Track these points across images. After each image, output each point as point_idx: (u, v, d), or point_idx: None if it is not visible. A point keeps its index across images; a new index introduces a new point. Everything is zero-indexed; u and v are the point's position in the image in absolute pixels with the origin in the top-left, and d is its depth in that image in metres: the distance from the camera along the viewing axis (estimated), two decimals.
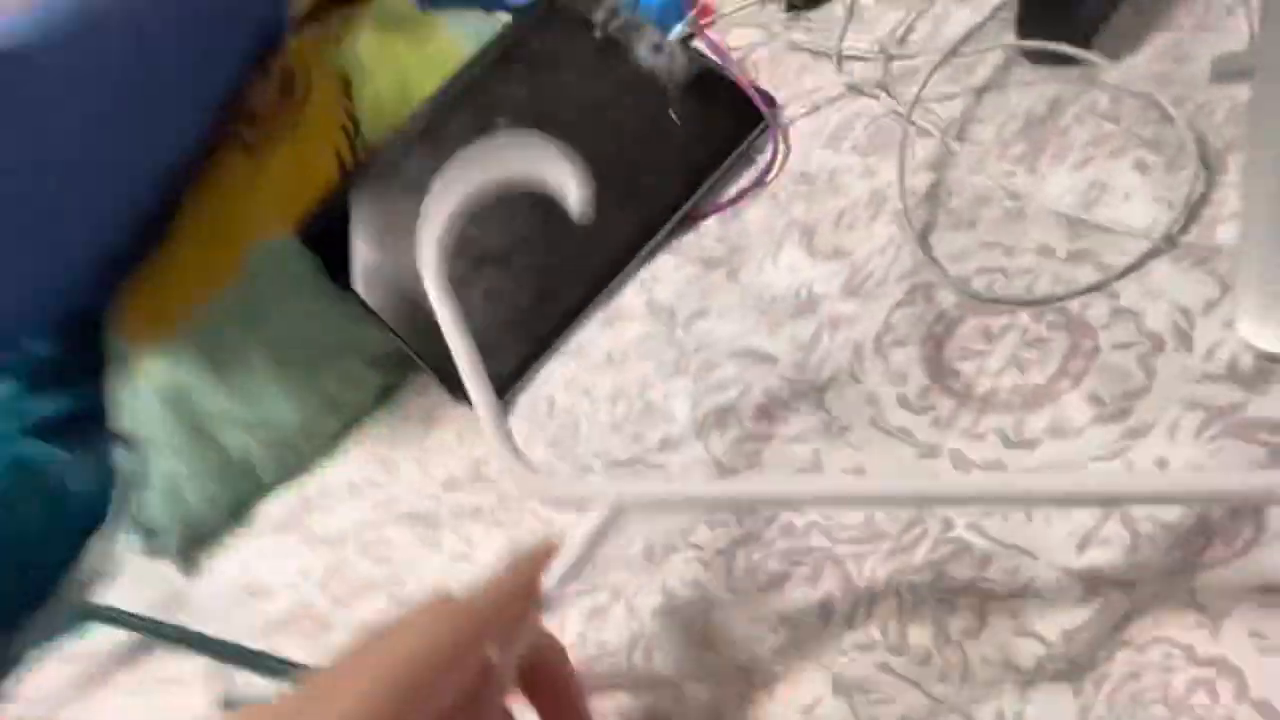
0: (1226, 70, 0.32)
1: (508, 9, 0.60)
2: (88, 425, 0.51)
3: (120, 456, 0.51)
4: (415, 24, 0.57)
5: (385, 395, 0.50)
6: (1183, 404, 0.25)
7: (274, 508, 0.48)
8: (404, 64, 0.54)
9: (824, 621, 0.26)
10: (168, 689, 0.43)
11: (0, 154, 0.36)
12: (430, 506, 0.41)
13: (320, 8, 0.60)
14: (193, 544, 0.49)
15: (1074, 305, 0.29)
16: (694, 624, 0.29)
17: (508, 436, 0.26)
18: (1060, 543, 0.23)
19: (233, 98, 0.53)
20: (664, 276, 0.43)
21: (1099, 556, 0.23)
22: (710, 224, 0.45)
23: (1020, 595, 0.23)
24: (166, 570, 0.50)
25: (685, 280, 0.42)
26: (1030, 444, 0.27)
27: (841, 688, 0.24)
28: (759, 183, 0.44)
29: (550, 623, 0.24)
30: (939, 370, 0.30)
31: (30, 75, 0.36)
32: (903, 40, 0.45)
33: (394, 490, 0.43)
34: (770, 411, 0.33)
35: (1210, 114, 0.32)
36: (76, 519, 0.53)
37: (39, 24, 0.38)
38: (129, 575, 0.51)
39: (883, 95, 0.43)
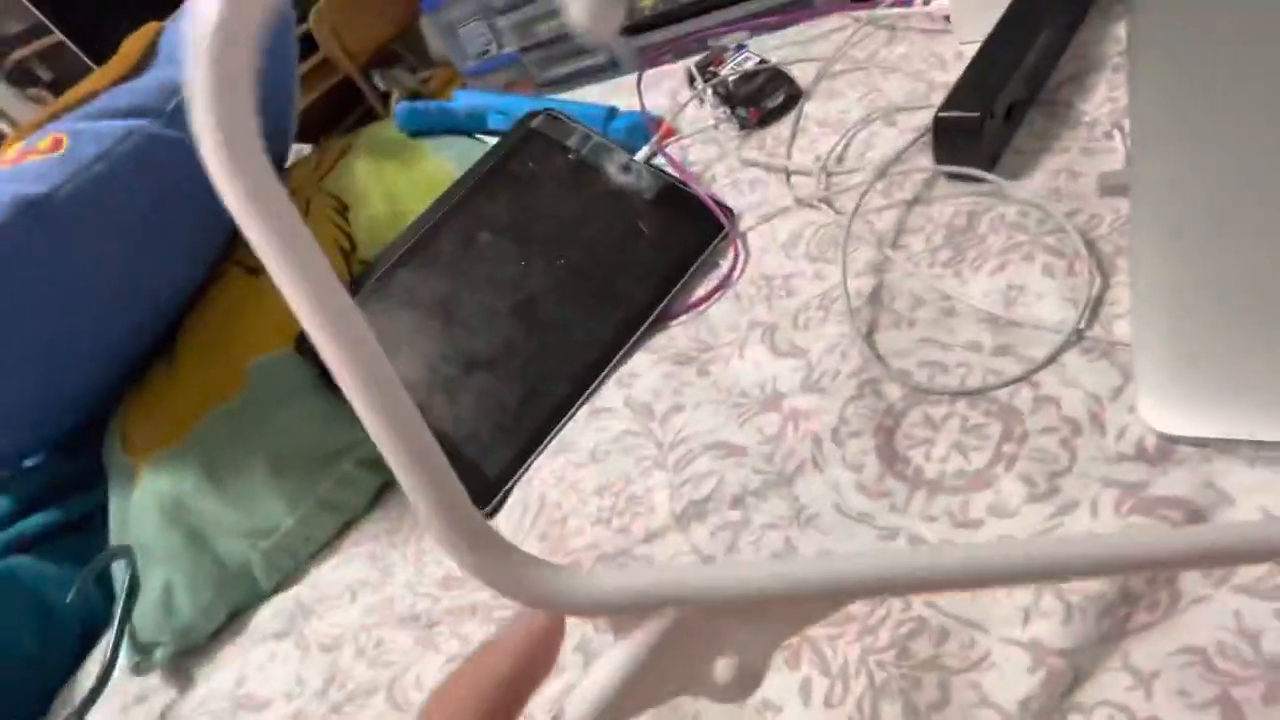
0: (1110, 186, 0.38)
1: (490, 133, 0.66)
2: (83, 540, 0.52)
3: (117, 569, 0.51)
4: (403, 150, 0.63)
5: (379, 496, 0.52)
6: (1101, 482, 0.29)
7: (269, 615, 0.48)
8: (394, 187, 0.60)
9: (804, 703, 0.28)
10: None
11: (21, 294, 0.39)
12: (427, 606, 0.42)
13: (314, 138, 0.65)
14: (185, 656, 0.49)
15: (1003, 394, 0.33)
16: (682, 707, 0.30)
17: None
18: (1007, 616, 0.26)
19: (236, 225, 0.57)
20: (641, 373, 0.47)
21: (1041, 628, 0.26)
22: (680, 324, 0.49)
23: (977, 668, 0.25)
24: (158, 684, 0.50)
25: (661, 377, 0.46)
26: (975, 524, 0.30)
27: None
28: (724, 285, 0.49)
29: None
30: (891, 457, 0.34)
31: (55, 221, 0.40)
32: (840, 159, 0.52)
33: (390, 591, 0.44)
34: (744, 500, 0.36)
35: (1099, 223, 0.37)
36: (69, 636, 0.52)
37: (65, 172, 0.42)
38: (120, 692, 0.51)
39: (824, 207, 0.48)
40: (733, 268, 0.49)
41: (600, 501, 0.41)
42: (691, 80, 0.67)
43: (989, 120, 0.41)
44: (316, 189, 0.60)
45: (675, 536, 0.37)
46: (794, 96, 0.58)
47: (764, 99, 0.58)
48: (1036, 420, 0.32)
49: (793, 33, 0.67)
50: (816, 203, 0.49)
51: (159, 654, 0.48)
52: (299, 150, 0.77)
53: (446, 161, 0.61)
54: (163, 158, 0.46)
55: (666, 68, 0.76)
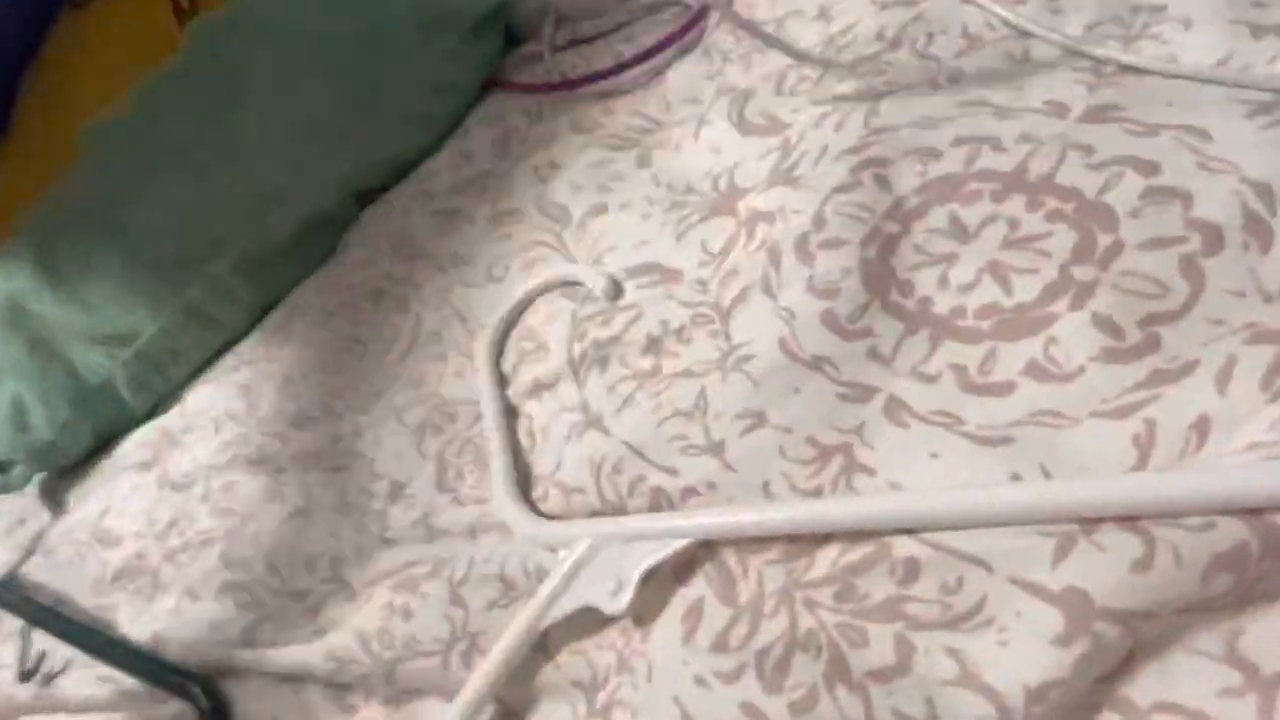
0: None
1: None
2: None
3: None
4: None
5: (262, 318, 0.42)
6: (1245, 334, 0.16)
7: (137, 441, 0.41)
8: None
9: (684, 637, 0.18)
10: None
11: None
12: (277, 449, 0.33)
13: None
14: (60, 478, 0.44)
15: (1090, 185, 0.20)
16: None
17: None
18: (1028, 547, 0.15)
19: None
20: (564, 162, 0.34)
21: (1085, 570, 0.15)
22: (627, 95, 0.35)
23: (964, 624, 0.15)
24: (37, 507, 0.45)
25: (587, 167, 0.33)
26: (999, 389, 0.18)
27: None
28: (689, 28, 0.34)
29: None
30: (884, 280, 0.21)
31: None
32: None
33: (251, 427, 0.36)
34: (660, 343, 0.25)
35: None
36: None
37: None
38: (4, 512, 0.46)
39: None
40: (701, 11, 0.34)
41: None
42: None
43: None
44: None
45: (567, 388, 0.26)
46: None
47: None
48: (1140, 225, 0.18)
49: None
50: None
51: (16, 472, 0.42)
52: None
53: None
54: None
55: None
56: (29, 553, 0.42)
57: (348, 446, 0.31)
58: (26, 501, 0.45)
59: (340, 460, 0.30)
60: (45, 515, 0.43)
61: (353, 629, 0.23)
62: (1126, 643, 0.14)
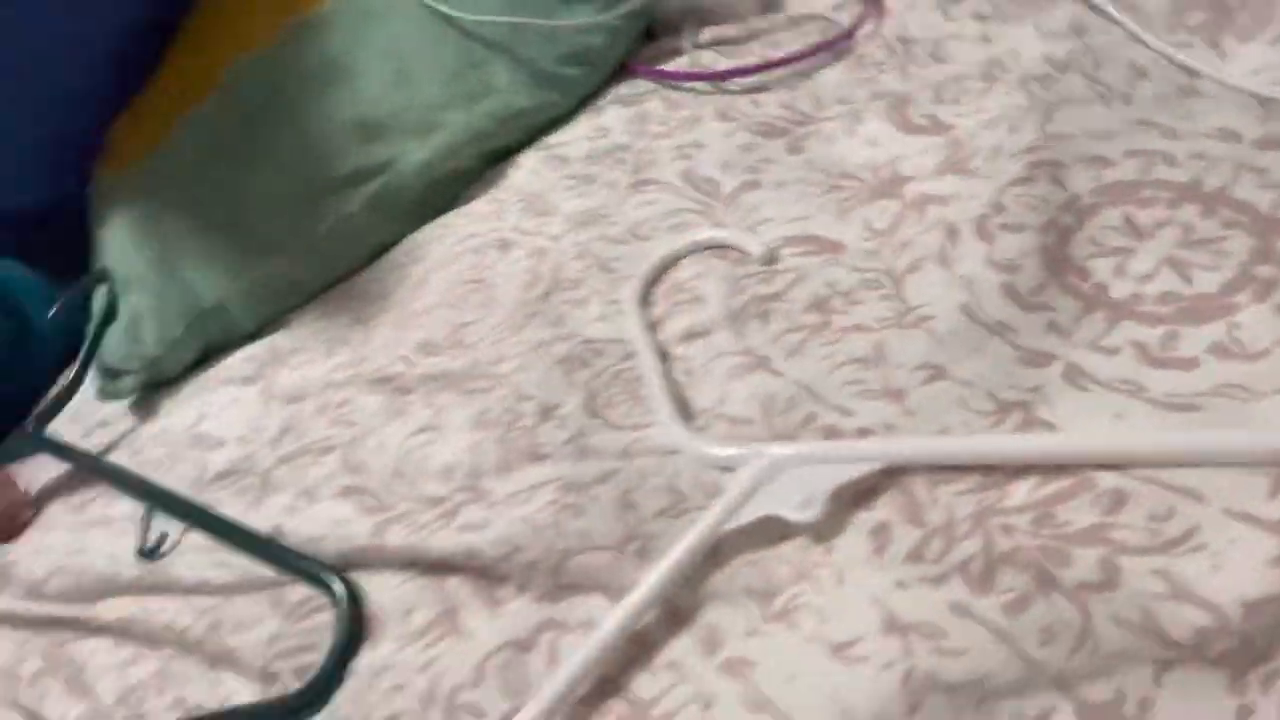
0: None
1: None
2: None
3: (97, 295, 0.45)
4: None
5: (381, 251, 0.43)
6: None
7: (241, 359, 0.42)
8: None
9: (875, 549, 0.19)
10: (97, 530, 0.38)
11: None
12: (401, 370, 0.34)
13: None
14: (154, 389, 0.44)
15: (1265, 202, 0.22)
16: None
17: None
18: (1240, 480, 0.17)
19: None
20: (707, 142, 0.36)
21: None
22: (770, 90, 0.37)
23: (1173, 549, 0.16)
24: (123, 412, 0.45)
25: (735, 149, 0.35)
26: (1183, 364, 0.20)
27: (895, 627, 0.17)
28: (836, 43, 0.36)
29: None
30: (1061, 264, 0.23)
31: None
32: None
33: (367, 351, 0.37)
34: (828, 302, 0.26)
35: None
36: (45, 351, 0.47)
37: None
38: (85, 416, 0.46)
39: None
40: (856, 25, 0.37)
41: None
42: None
43: None
44: None
45: (724, 335, 0.28)
46: None
47: None
48: None
49: None
50: None
51: (127, 381, 0.42)
52: None
53: None
54: None
55: None
56: (110, 448, 0.42)
57: (485, 371, 0.32)
58: (111, 407, 0.45)
59: (477, 384, 0.31)
60: (132, 420, 0.44)
61: (522, 519, 0.24)
62: None
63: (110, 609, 0.31)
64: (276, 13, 0.42)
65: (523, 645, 0.22)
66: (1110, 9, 0.29)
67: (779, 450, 0.22)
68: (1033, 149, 0.26)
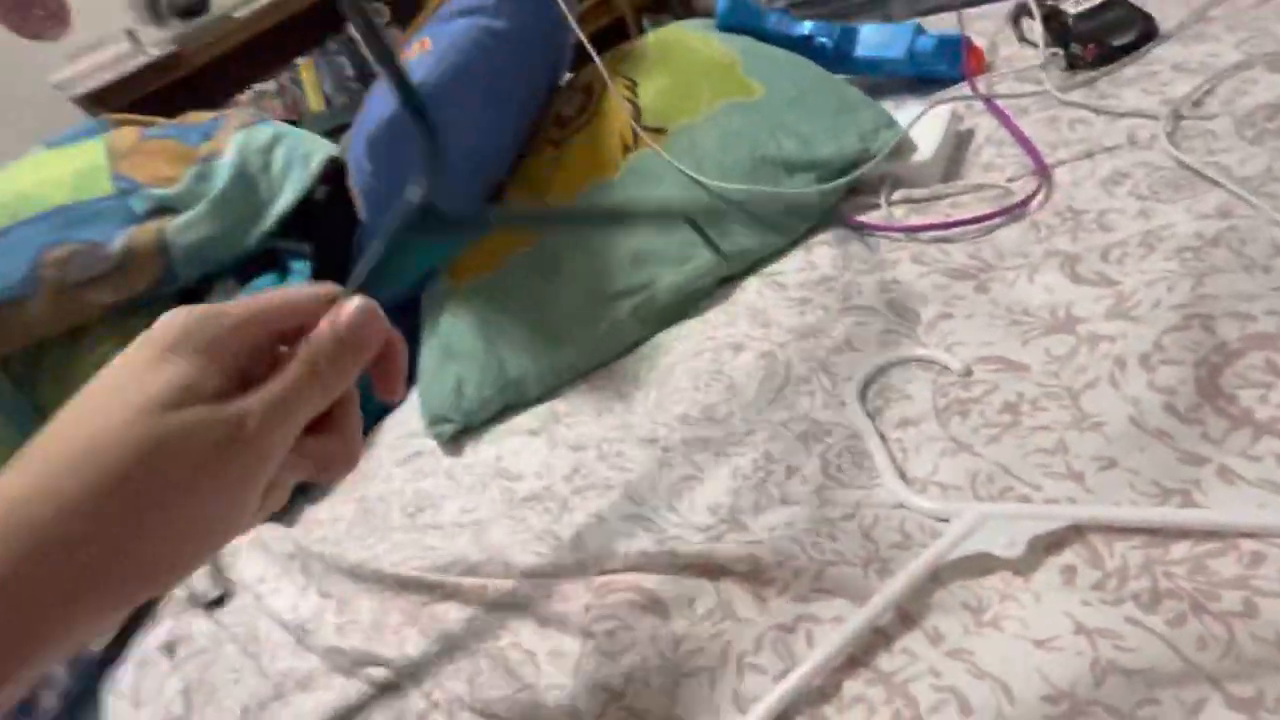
0: None
1: (785, 41, 0.67)
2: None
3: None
4: (685, 39, 0.67)
5: (635, 345, 0.57)
6: None
7: (529, 416, 0.57)
8: (678, 66, 0.64)
9: (1066, 582, 0.28)
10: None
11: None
12: (664, 434, 0.47)
13: (609, 42, 0.73)
14: (460, 433, 0.60)
15: None
16: None
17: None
18: None
19: (545, 108, 0.68)
20: (905, 279, 0.47)
21: None
22: (956, 243, 0.48)
23: None
24: (434, 447, 0.60)
25: (930, 287, 0.45)
26: None
27: (1083, 630, 0.25)
28: (1014, 211, 0.47)
29: None
30: (1213, 392, 0.31)
31: (432, 99, 0.51)
32: (1198, 103, 0.46)
33: (631, 419, 0.50)
34: (1017, 407, 0.35)
35: None
36: (376, 402, 0.67)
37: (431, 64, 0.56)
38: (403, 445, 0.62)
39: (1167, 149, 0.44)
40: (1031, 196, 0.47)
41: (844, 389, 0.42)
42: (1018, 17, 0.63)
43: None
44: (615, 72, 0.66)
45: (931, 425, 0.37)
46: (1147, 35, 0.52)
47: (1109, 36, 0.53)
48: None
49: None
50: (1156, 144, 0.45)
51: (447, 428, 0.59)
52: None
53: (729, 48, 0.64)
54: (492, 43, 0.57)
55: (985, 7, 0.71)
56: (424, 474, 0.58)
57: (738, 440, 0.43)
58: (423, 441, 0.62)
59: (731, 449, 0.43)
60: (442, 453, 0.59)
61: (790, 539, 0.34)
62: None
63: None
64: (583, 178, 0.60)
65: (787, 629, 0.32)
66: (1251, 197, 0.38)
67: (987, 507, 0.31)
68: (1187, 305, 0.34)
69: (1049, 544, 0.29)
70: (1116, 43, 0.52)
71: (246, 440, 0.21)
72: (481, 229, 0.60)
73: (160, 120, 1.04)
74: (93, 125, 1.05)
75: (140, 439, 0.20)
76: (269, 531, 0.60)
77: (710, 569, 0.36)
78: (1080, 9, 0.54)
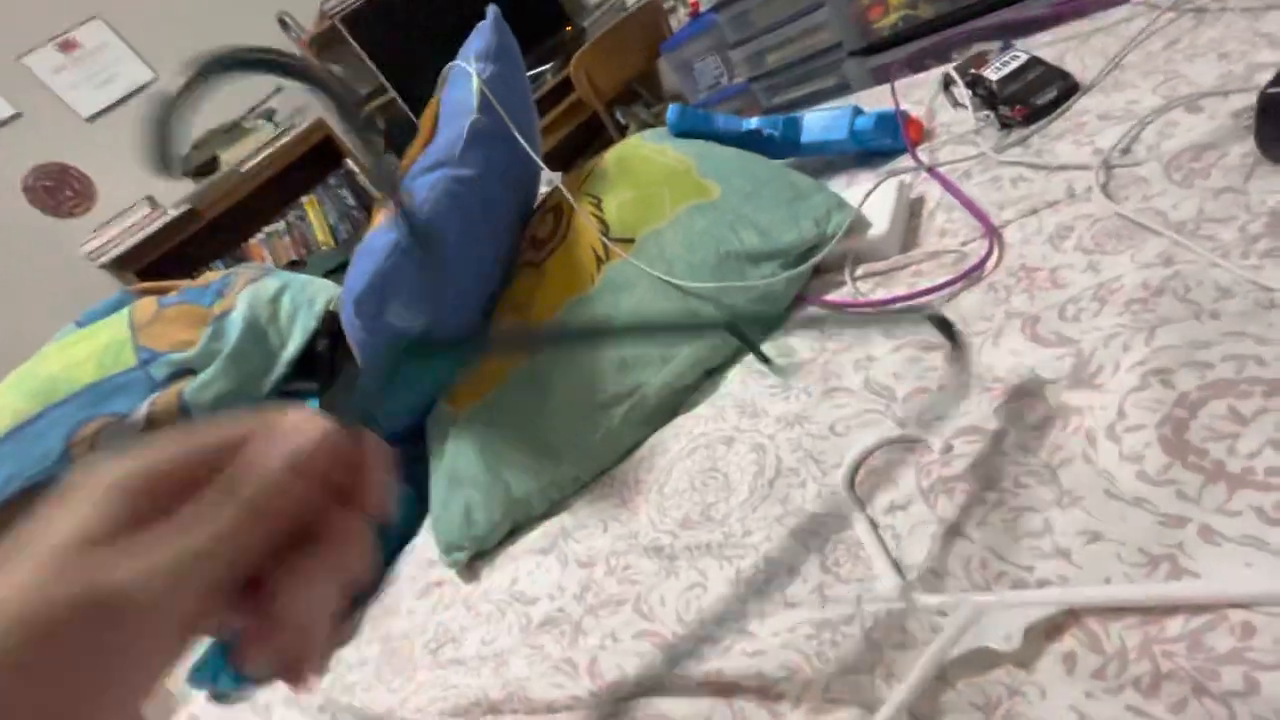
0: None
1: (736, 140, 0.72)
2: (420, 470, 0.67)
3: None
4: (639, 151, 0.72)
5: (631, 451, 0.59)
6: None
7: (538, 534, 0.58)
8: (637, 178, 0.68)
9: (1067, 672, 0.27)
10: None
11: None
12: (668, 541, 0.47)
13: (564, 167, 0.78)
14: (474, 559, 0.61)
15: None
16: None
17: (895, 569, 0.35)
18: None
19: (520, 234, 0.72)
20: (880, 357, 0.48)
21: None
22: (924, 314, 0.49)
23: None
24: (453, 576, 0.61)
25: (904, 361, 0.46)
26: None
27: None
28: (970, 275, 0.48)
29: None
30: (1181, 449, 0.31)
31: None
32: (1126, 150, 0.48)
33: (635, 527, 0.51)
34: (999, 484, 0.36)
35: None
36: (395, 532, 0.68)
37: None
38: (422, 578, 0.63)
39: (1103, 199, 0.46)
40: (984, 259, 0.48)
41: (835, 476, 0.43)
42: (947, 85, 0.66)
43: None
44: (579, 192, 0.71)
45: (919, 508, 0.38)
46: (1068, 91, 0.55)
47: (1032, 96, 0.56)
48: None
49: (1067, 29, 0.63)
50: (1093, 195, 0.46)
51: (460, 555, 0.60)
52: (549, 178, 0.91)
53: (683, 153, 0.68)
54: (460, 190, 0.62)
55: (916, 77, 0.76)
56: (444, 606, 0.58)
57: (736, 542, 0.44)
58: (441, 570, 0.63)
59: (731, 551, 0.43)
60: (461, 582, 0.60)
61: (795, 649, 0.34)
62: None
63: None
64: (563, 294, 0.64)
65: None
66: (1188, 242, 0.39)
67: (981, 598, 0.31)
68: (1143, 361, 0.35)
69: (1048, 629, 0.29)
70: (1040, 101, 0.55)
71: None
72: (481, 350, 0.64)
73: (179, 284, 1.11)
74: (118, 297, 1.13)
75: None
76: None
77: (722, 688, 0.36)
78: (1001, 73, 0.58)
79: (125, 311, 0.99)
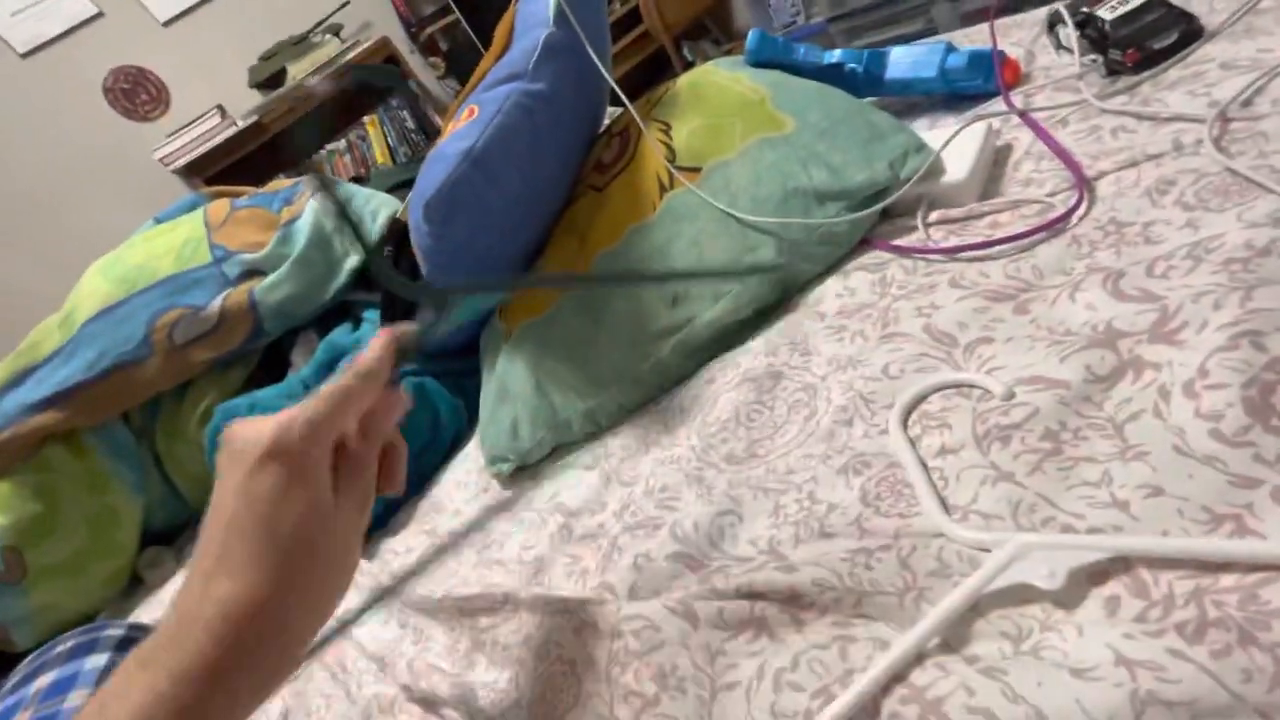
0: None
1: (816, 74, 0.68)
2: (472, 382, 0.70)
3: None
4: (715, 78, 0.69)
5: (682, 380, 0.59)
6: None
7: (580, 452, 0.60)
8: (709, 106, 0.66)
9: (1109, 614, 0.27)
10: None
11: (477, 207, 0.57)
12: (712, 475, 0.48)
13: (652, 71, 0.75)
14: (520, 469, 0.63)
15: None
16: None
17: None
18: None
19: (586, 155, 0.71)
20: (944, 305, 0.47)
21: None
22: (995, 261, 0.47)
23: None
24: (497, 486, 0.64)
25: (969, 311, 0.45)
26: None
27: (1124, 661, 0.25)
28: (1053, 226, 0.46)
29: None
30: (1265, 412, 0.30)
31: (480, 161, 0.59)
32: (1248, 103, 0.44)
33: (678, 453, 0.52)
34: (1058, 435, 0.35)
35: None
36: (445, 436, 0.72)
37: (478, 129, 0.60)
38: (474, 483, 0.67)
39: (1215, 154, 0.42)
40: (1071, 210, 0.46)
41: (884, 418, 0.43)
42: (1052, 25, 0.62)
43: None
44: (648, 116, 0.69)
45: (971, 453, 0.37)
46: (1190, 35, 0.51)
47: (1149, 39, 0.52)
48: None
49: None
50: (1203, 149, 0.43)
51: (505, 466, 0.62)
52: (612, 111, 0.89)
53: (758, 83, 0.65)
54: (532, 104, 0.61)
55: (1018, 16, 0.70)
56: (489, 510, 0.61)
57: (778, 477, 0.44)
58: (488, 478, 0.65)
59: (772, 484, 0.44)
60: (508, 492, 0.63)
61: (828, 569, 0.35)
62: None
63: None
64: (624, 221, 0.63)
65: (823, 647, 0.33)
66: None
67: (1029, 537, 0.31)
68: (1234, 322, 0.33)
69: (1092, 574, 0.29)
70: (1158, 46, 0.51)
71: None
72: (522, 287, 0.65)
73: (249, 190, 1.15)
74: (192, 199, 1.17)
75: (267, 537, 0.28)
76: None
77: (750, 595, 0.37)
78: (1117, 13, 0.53)
79: (200, 210, 1.04)
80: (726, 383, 0.55)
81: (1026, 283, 0.45)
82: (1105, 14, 0.54)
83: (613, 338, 0.60)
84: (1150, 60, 0.51)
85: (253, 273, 0.92)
